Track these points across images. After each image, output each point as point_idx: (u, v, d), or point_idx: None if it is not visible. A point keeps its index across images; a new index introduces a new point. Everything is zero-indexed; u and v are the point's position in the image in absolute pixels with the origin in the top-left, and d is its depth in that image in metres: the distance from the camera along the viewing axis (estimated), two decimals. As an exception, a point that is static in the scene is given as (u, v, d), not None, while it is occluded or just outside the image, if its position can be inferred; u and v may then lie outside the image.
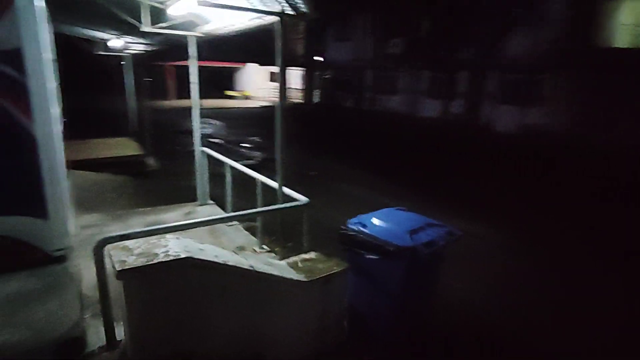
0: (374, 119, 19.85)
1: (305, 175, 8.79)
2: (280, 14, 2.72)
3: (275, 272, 2.50)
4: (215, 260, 2.22)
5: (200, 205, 5.16)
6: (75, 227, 4.13)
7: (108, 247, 2.18)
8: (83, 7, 4.39)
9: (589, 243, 5.43)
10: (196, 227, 2.55)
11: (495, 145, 13.09)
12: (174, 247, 2.17)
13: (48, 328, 2.58)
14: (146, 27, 4.05)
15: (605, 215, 6.58)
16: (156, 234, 2.40)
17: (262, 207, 3.62)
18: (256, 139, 13.48)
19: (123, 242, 2.22)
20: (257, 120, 18.60)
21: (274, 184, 3.32)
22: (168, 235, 2.33)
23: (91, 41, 7.84)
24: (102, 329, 2.45)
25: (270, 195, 3.47)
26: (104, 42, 7.55)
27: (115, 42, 6.74)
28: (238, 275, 2.30)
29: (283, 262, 2.83)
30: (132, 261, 2.01)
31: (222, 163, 4.57)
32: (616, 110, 12.29)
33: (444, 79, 18.04)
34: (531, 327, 3.68)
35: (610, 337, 3.53)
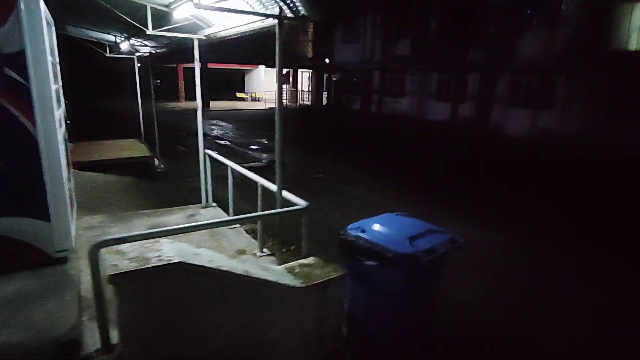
0: (382, 121, 19.78)
1: (311, 178, 8.78)
2: (279, 17, 2.69)
3: (270, 278, 2.47)
4: (209, 265, 2.20)
5: (204, 207, 5.16)
6: (78, 228, 4.17)
7: (103, 250, 2.18)
8: (90, 10, 4.44)
9: (599, 249, 5.31)
10: (192, 231, 2.54)
11: (505, 150, 12.90)
12: (167, 251, 2.16)
13: (47, 329, 2.60)
14: (151, 30, 4.08)
15: (619, 221, 6.43)
16: (152, 238, 2.40)
17: (263, 210, 3.61)
18: (264, 141, 13.53)
19: (118, 245, 2.22)
20: (265, 122, 18.64)
21: (273, 187, 3.29)
22: (163, 240, 2.32)
23: (100, 43, 7.95)
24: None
25: (272, 198, 3.45)
26: (112, 44, 7.65)
27: (123, 44, 6.82)
28: (232, 280, 2.28)
29: (280, 267, 2.80)
30: (125, 265, 2.00)
31: (225, 165, 4.56)
32: (631, 114, 12.03)
33: (453, 82, 17.89)
34: (532, 327, 3.63)
35: (609, 338, 3.50)
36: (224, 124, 18.12)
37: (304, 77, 30.97)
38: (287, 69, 31.02)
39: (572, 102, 13.65)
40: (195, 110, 4.89)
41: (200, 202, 5.25)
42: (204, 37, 4.41)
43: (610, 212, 6.91)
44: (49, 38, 3.40)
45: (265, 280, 2.43)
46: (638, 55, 12.27)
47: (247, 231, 4.47)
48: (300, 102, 29.68)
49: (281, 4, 2.73)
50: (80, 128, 9.11)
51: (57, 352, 2.42)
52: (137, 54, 8.33)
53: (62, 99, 4.14)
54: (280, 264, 3.22)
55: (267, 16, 2.81)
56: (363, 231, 2.93)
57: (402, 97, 21.01)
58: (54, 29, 3.74)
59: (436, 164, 10.79)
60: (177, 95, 28.88)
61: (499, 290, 4.28)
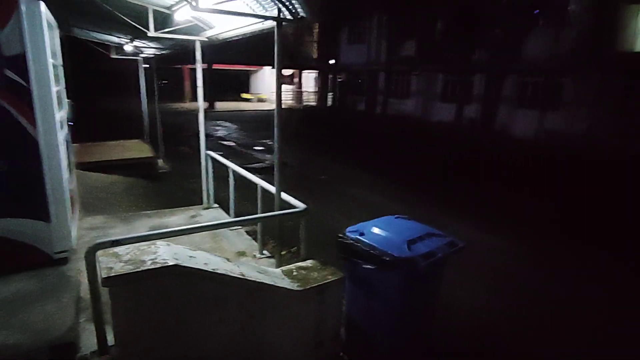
0: (386, 122, 19.72)
1: (314, 179, 8.76)
2: (277, 19, 2.68)
3: (267, 281, 2.46)
4: (204, 268, 2.19)
5: (205, 208, 5.17)
6: (80, 228, 4.19)
7: (99, 252, 2.18)
8: (93, 13, 4.47)
9: (602, 250, 5.24)
10: (188, 233, 2.53)
11: (511, 151, 12.79)
12: (162, 254, 2.16)
13: (44, 331, 2.61)
14: (153, 32, 4.09)
15: (625, 223, 6.33)
16: (149, 240, 2.39)
17: (264, 212, 3.60)
18: (268, 142, 13.53)
19: (114, 248, 2.22)
20: (270, 123, 18.43)
21: (273, 189, 3.28)
22: (159, 242, 2.31)
23: (105, 45, 8.00)
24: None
25: (272, 200, 3.44)
26: (116, 45, 7.70)
27: (128, 46, 6.86)
28: (228, 283, 2.27)
29: (278, 270, 2.79)
30: (119, 268, 1.99)
31: (226, 166, 4.56)
32: (638, 116, 11.88)
33: (458, 83, 17.79)
34: (533, 329, 3.61)
35: (610, 338, 3.48)
36: (228, 124, 18.18)
37: (310, 78, 30.99)
38: (293, 70, 31.09)
39: (579, 104, 13.51)
40: None
41: (202, 203, 5.26)
42: (206, 39, 4.42)
43: (616, 213, 6.82)
44: (51, 40, 3.42)
45: (261, 284, 2.41)
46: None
47: (248, 232, 4.47)
48: (305, 103, 29.69)
49: (280, 5, 2.72)
50: (86, 129, 9.19)
51: (53, 354, 2.43)
52: (142, 55, 8.38)
53: (65, 101, 4.16)
54: (279, 266, 3.21)
55: (266, 18, 2.80)
56: (362, 234, 2.91)
57: (407, 98, 20.93)
58: (57, 31, 3.77)
59: (440, 165, 10.72)
60: (183, 95, 29.03)
61: (500, 292, 4.24)
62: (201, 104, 4.84)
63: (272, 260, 3.82)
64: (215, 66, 26.17)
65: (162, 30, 4.23)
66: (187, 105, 26.50)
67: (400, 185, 8.40)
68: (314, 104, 28.92)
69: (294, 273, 2.74)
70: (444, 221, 6.08)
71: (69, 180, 3.69)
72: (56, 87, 3.38)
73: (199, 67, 4.66)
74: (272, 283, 2.48)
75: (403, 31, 20.01)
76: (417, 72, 19.62)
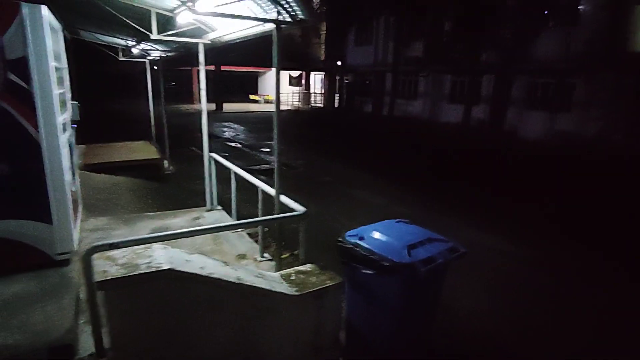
0: (393, 124, 19.61)
1: (319, 181, 8.74)
2: (276, 21, 2.67)
3: (263, 285, 2.44)
4: (199, 272, 2.18)
5: (208, 210, 5.18)
6: (83, 230, 4.22)
7: (95, 255, 2.18)
8: (96, 15, 4.51)
9: (613, 256, 5.12)
10: (187, 236, 2.52)
11: (521, 152, 12.63)
12: (158, 258, 2.15)
13: (43, 332, 2.62)
14: (155, 35, 4.11)
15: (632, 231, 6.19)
16: (146, 243, 2.39)
17: (264, 215, 3.59)
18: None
19: (110, 251, 2.22)
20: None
21: (272, 192, 3.26)
22: (155, 245, 2.31)
23: (113, 47, 8.09)
24: (93, 337, 2.46)
25: (274, 202, 3.41)
26: (124, 48, 7.77)
27: (135, 48, 6.92)
28: (223, 287, 2.26)
29: (276, 274, 2.77)
30: (114, 272, 1.99)
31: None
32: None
33: (466, 83, 17.64)
34: (539, 336, 3.53)
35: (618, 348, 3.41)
36: (236, 126, 18.26)
37: (317, 79, 31.02)
38: (300, 72, 31.15)
39: (591, 105, 13.31)
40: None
41: (206, 205, 5.27)
42: (209, 42, 4.43)
43: (629, 216, 6.67)
44: (54, 43, 3.45)
45: (258, 288, 2.39)
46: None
47: (249, 235, 4.46)
48: (313, 105, 29.71)
49: (279, 8, 2.71)
50: (93, 130, 9.30)
51: (51, 356, 2.44)
52: (149, 57, 8.45)
53: (69, 102, 4.20)
54: (279, 270, 3.19)
55: (265, 21, 2.79)
56: (361, 238, 2.87)
57: (414, 99, 20.83)
58: (60, 34, 3.80)
59: (447, 167, 10.63)
60: (192, 97, 29.25)
61: (506, 297, 4.16)
62: (204, 105, 4.85)
63: (273, 263, 3.80)
64: (223, 68, 26.34)
65: (165, 33, 4.24)
66: (196, 106, 26.68)
67: (405, 187, 8.34)
68: (321, 105, 28.93)
69: (292, 277, 2.72)
70: (448, 223, 6.03)
71: (71, 182, 3.72)
72: (59, 90, 3.41)
73: (202, 69, 4.67)
74: (268, 287, 2.45)
75: (411, 32, 19.92)
76: (425, 73, 19.51)
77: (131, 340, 2.14)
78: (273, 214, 3.20)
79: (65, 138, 3.45)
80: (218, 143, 13.00)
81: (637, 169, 9.57)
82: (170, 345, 2.24)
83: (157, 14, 3.96)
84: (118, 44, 7.43)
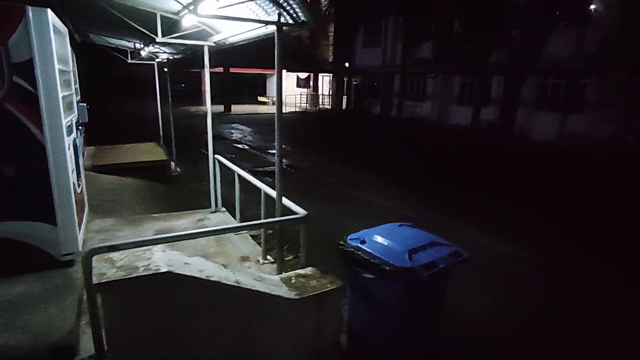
0: (402, 125, 19.52)
1: (325, 183, 8.72)
2: (277, 24, 2.66)
3: (263, 289, 2.42)
4: (198, 275, 2.17)
5: (213, 212, 5.19)
6: (89, 231, 4.26)
7: (95, 257, 2.19)
8: (104, 19, 4.56)
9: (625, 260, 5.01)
10: (187, 239, 2.52)
11: (532, 154, 12.47)
12: (156, 260, 2.15)
13: (45, 333, 2.64)
14: (160, 38, 4.14)
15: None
16: (147, 245, 2.39)
17: (267, 217, 3.58)
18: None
19: (110, 253, 2.23)
20: (284, 127, 18.60)
21: (274, 194, 3.25)
22: (155, 248, 2.31)
23: (122, 50, 8.19)
24: (95, 338, 2.47)
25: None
26: (132, 50, 7.86)
27: (143, 50, 6.98)
28: (222, 291, 2.25)
29: (276, 278, 2.75)
30: (112, 274, 1.99)
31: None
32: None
33: (476, 85, 17.47)
34: (547, 344, 3.45)
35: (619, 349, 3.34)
36: (243, 127, 18.33)
37: (325, 81, 31.04)
38: (308, 73, 31.20)
39: (604, 105, 13.07)
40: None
41: (210, 207, 5.28)
42: (213, 44, 4.45)
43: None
44: (61, 47, 3.50)
45: (257, 292, 2.38)
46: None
47: (253, 237, 4.46)
48: (321, 106, 29.73)
49: (280, 10, 2.70)
50: (103, 132, 9.43)
51: (52, 357, 2.46)
52: (157, 60, 8.54)
53: (76, 105, 4.25)
54: (280, 273, 3.18)
55: (266, 23, 2.79)
56: (363, 242, 2.84)
57: (423, 100, 20.70)
58: (67, 37, 3.85)
59: (455, 169, 10.53)
60: (201, 99, 29.49)
61: (509, 301, 4.10)
62: (209, 107, 4.87)
63: (276, 266, 3.79)
64: (232, 70, 26.50)
65: (171, 36, 4.27)
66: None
67: (412, 189, 8.28)
68: (329, 107, 28.94)
69: (293, 281, 2.70)
70: (455, 227, 5.96)
71: (77, 183, 3.76)
72: (65, 93, 3.45)
73: (207, 71, 4.69)
74: (268, 291, 2.44)
75: (419, 33, 19.82)
76: (434, 74, 19.39)
77: (130, 342, 2.14)
78: (275, 217, 3.19)
79: (70, 140, 3.49)
80: (225, 145, 13.06)
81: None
82: (169, 348, 2.24)
83: (162, 16, 3.99)
84: (126, 47, 7.52)
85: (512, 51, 14.72)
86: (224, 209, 5.26)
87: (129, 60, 8.64)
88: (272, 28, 3.05)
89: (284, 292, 2.54)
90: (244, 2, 2.82)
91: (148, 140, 9.86)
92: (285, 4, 2.68)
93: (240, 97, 29.92)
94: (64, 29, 3.66)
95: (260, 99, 32.13)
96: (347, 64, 25.13)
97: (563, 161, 11.49)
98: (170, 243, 2.50)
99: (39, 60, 2.93)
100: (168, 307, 2.15)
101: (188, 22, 3.80)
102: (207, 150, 5.13)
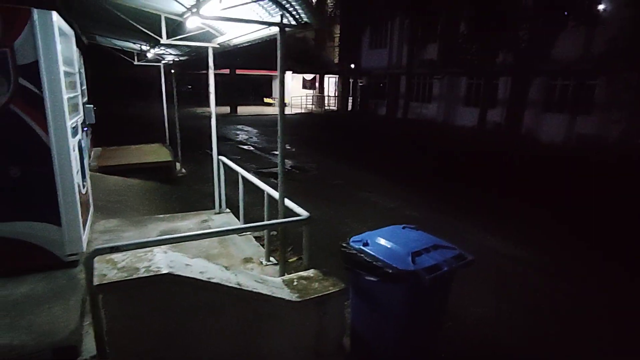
0: (407, 127, 19.44)
1: (330, 184, 8.70)
2: (280, 25, 2.65)
3: (264, 291, 2.41)
4: (199, 277, 2.17)
5: (217, 213, 5.20)
6: (94, 231, 4.29)
7: (96, 258, 2.19)
8: (109, 21, 4.59)
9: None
10: (187, 240, 2.52)
11: (539, 156, 12.34)
12: (157, 262, 2.15)
13: (49, 333, 2.65)
14: (165, 40, 4.16)
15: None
16: (149, 246, 2.39)
17: (270, 218, 3.57)
18: (286, 146, 13.57)
19: (112, 254, 2.23)
20: (290, 128, 18.72)
21: (277, 195, 3.24)
22: (156, 249, 2.31)
23: (128, 52, 8.25)
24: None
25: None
26: (139, 52, 7.92)
27: (149, 52, 7.03)
28: (223, 293, 2.24)
29: (278, 280, 2.74)
30: (112, 275, 2.00)
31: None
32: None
33: (482, 86, 17.36)
34: (546, 342, 3.42)
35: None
36: (249, 129, 18.38)
37: (331, 82, 31.04)
38: (314, 75, 31.22)
39: (614, 106, 12.91)
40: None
41: (214, 208, 5.29)
42: (217, 46, 4.46)
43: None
44: (66, 49, 3.53)
45: (258, 294, 2.37)
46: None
47: (256, 238, 4.45)
48: (326, 107, 29.72)
49: (283, 12, 2.69)
50: (110, 133, 9.51)
51: (55, 357, 2.47)
52: (163, 62, 8.59)
53: (82, 106, 4.28)
54: (283, 275, 3.17)
55: (269, 24, 2.78)
56: (366, 244, 2.82)
57: (429, 102, 20.62)
58: (73, 39, 3.88)
59: (461, 171, 10.45)
60: (208, 100, 29.66)
61: (515, 303, 4.04)
62: (213, 109, 4.88)
63: (278, 267, 3.78)
64: (238, 71, 26.59)
65: (175, 37, 4.29)
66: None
67: (418, 190, 8.22)
68: (334, 108, 28.92)
69: (295, 283, 2.69)
70: (460, 227, 5.92)
71: (82, 184, 3.78)
72: (70, 94, 3.48)
73: (211, 73, 4.71)
74: (269, 293, 2.43)
75: (425, 34, 19.75)
76: (440, 75, 19.30)
77: (131, 343, 2.14)
78: (277, 219, 3.18)
79: (75, 141, 3.51)
80: (231, 146, 13.10)
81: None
82: (170, 349, 2.23)
83: (167, 18, 4.01)
84: (133, 49, 7.57)
85: (519, 52, 14.58)
86: (228, 210, 5.27)
87: (136, 62, 8.70)
88: (275, 29, 3.04)
89: (285, 294, 2.53)
90: (246, 3, 2.83)
91: (154, 141, 9.92)
92: (287, 6, 2.68)
93: (246, 99, 30.02)
94: (69, 31, 3.69)
95: (266, 100, 32.21)
96: (352, 65, 25.11)
97: (571, 162, 11.37)
98: (174, 244, 2.51)
99: (44, 62, 2.95)
100: (169, 308, 2.15)
101: (192, 23, 3.81)
102: (212, 152, 5.14)
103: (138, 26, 4.18)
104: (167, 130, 9.65)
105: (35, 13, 2.86)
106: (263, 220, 3.55)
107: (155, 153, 8.73)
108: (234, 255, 3.96)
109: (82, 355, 2.52)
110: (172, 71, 8.85)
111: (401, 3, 18.61)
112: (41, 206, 3.18)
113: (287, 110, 28.68)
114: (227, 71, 25.22)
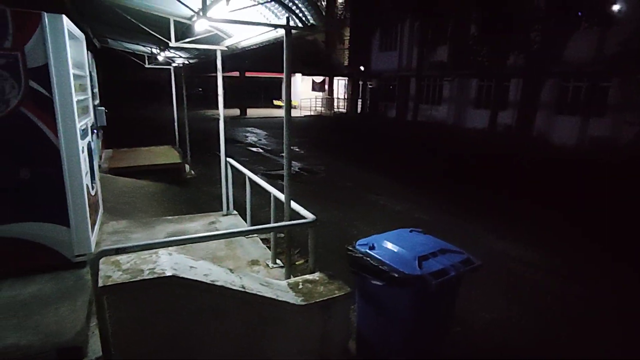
0: (417, 129, 19.31)
1: (340, 186, 8.67)
2: (286, 27, 2.65)
3: (269, 295, 2.40)
4: (203, 279, 2.16)
5: (224, 215, 5.21)
6: (103, 232, 4.33)
7: (102, 260, 2.20)
8: (118, 24, 4.65)
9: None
10: (190, 242, 2.52)
11: (550, 158, 12.14)
12: (162, 264, 2.15)
13: (55, 333, 2.67)
14: (174, 43, 4.19)
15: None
16: (154, 248, 2.39)
17: (276, 221, 3.55)
18: (295, 148, 13.59)
19: (117, 255, 2.24)
20: (300, 130, 18.79)
21: (283, 198, 3.23)
22: (161, 251, 2.31)
23: (139, 55, 8.35)
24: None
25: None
26: (150, 55, 8.01)
27: (160, 55, 7.10)
28: (227, 295, 2.23)
29: (284, 283, 2.73)
30: (117, 277, 2.00)
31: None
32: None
33: (493, 88, 17.16)
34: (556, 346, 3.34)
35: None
36: (258, 131, 18.46)
37: (340, 84, 31.04)
38: (323, 77, 31.25)
39: (628, 108, 12.65)
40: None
41: (222, 210, 5.30)
42: (226, 48, 4.48)
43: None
44: (77, 52, 3.57)
45: (263, 297, 2.35)
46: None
47: (263, 240, 4.44)
48: (336, 110, 29.72)
49: (289, 14, 2.68)
50: (120, 135, 9.63)
51: (60, 357, 2.48)
52: (174, 64, 8.67)
53: (91, 109, 4.33)
54: (288, 277, 3.15)
55: (275, 26, 2.78)
56: (372, 247, 2.79)
57: (439, 104, 20.47)
58: (83, 43, 3.93)
59: (471, 174, 10.32)
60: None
61: (524, 307, 3.96)
62: (222, 111, 4.91)
63: (285, 270, 3.76)
64: (247, 74, 26.76)
65: (184, 40, 4.32)
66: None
67: (427, 193, 8.15)
68: (344, 110, 28.89)
69: (300, 287, 2.67)
70: (470, 229, 5.84)
71: (91, 186, 3.82)
72: (80, 97, 3.52)
73: (220, 75, 4.73)
74: (274, 297, 2.41)
75: (435, 36, 19.63)
76: (450, 77, 19.15)
77: (135, 345, 2.14)
78: (283, 221, 3.16)
79: (84, 143, 3.55)
80: (240, 148, 13.16)
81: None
82: (174, 351, 2.23)
83: (176, 22, 4.04)
84: (143, 52, 7.66)
85: (530, 53, 14.38)
86: (235, 212, 5.27)
87: (146, 65, 8.80)
88: (282, 32, 3.04)
89: (290, 298, 2.51)
90: (253, 5, 2.83)
91: (164, 143, 10.02)
92: (294, 8, 2.67)
93: (256, 101, 30.18)
94: (79, 34, 3.74)
95: (275, 102, 32.33)
96: (362, 68, 25.07)
97: (584, 165, 11.15)
98: (180, 246, 2.52)
99: (54, 65, 2.99)
100: (173, 310, 2.14)
101: (200, 26, 3.83)
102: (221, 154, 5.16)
103: (148, 29, 4.22)
104: (177, 133, 9.73)
105: (46, 17, 2.90)
106: (270, 223, 3.54)
107: (165, 155, 8.81)
108: (241, 258, 3.96)
109: (87, 356, 2.53)
110: (182, 74, 8.93)
111: (411, 5, 18.52)
112: (50, 207, 3.22)
113: (297, 113, 28.78)
114: (236, 74, 25.40)
